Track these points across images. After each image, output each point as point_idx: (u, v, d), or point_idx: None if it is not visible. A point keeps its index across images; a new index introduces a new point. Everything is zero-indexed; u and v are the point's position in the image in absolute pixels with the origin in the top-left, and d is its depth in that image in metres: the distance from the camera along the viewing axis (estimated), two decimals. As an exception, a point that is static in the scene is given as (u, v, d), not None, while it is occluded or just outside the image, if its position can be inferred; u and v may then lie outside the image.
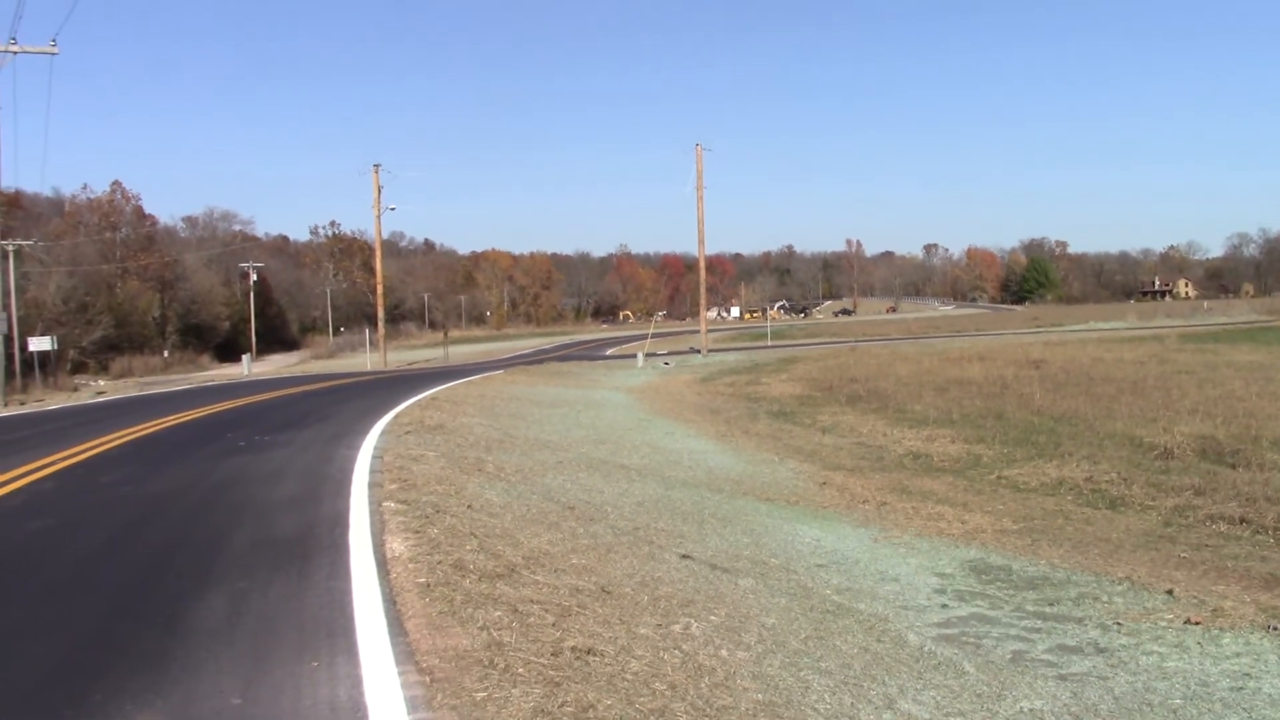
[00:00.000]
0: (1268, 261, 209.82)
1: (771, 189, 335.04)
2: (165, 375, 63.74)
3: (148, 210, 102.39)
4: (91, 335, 72.57)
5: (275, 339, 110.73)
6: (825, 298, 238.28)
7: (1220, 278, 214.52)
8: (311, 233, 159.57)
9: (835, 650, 6.65)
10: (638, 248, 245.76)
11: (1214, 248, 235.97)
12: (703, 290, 65.87)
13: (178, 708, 4.97)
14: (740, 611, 7.32)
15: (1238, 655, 6.77)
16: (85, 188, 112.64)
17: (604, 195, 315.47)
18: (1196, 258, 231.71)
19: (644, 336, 73.93)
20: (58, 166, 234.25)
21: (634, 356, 50.75)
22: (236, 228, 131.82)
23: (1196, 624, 7.42)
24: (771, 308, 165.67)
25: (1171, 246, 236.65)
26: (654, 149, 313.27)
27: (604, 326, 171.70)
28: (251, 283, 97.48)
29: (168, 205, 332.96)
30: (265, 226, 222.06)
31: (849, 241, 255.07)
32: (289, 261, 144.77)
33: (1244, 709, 5.84)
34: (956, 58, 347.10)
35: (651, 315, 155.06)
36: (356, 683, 5.23)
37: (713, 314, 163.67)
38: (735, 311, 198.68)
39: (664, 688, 5.43)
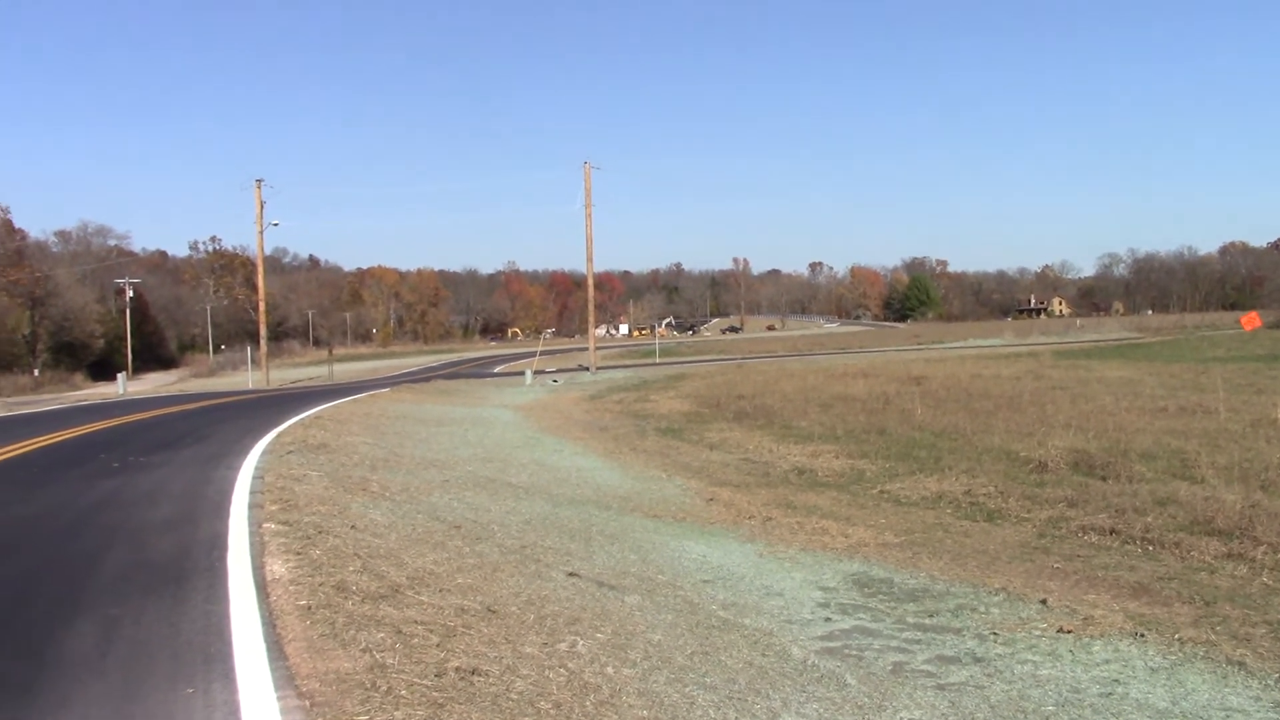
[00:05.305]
0: (1136, 281, 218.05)
1: (660, 208, 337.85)
2: (36, 395, 61.29)
3: (17, 224, 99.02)
4: (-44, 354, 69.73)
5: (153, 357, 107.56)
6: (713, 315, 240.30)
7: (1093, 296, 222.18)
8: (191, 248, 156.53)
9: (720, 665, 6.69)
10: (526, 265, 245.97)
11: (1086, 267, 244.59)
12: (591, 308, 65.96)
13: (44, 740, 4.80)
14: (626, 628, 7.32)
15: (1107, 662, 6.99)
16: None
17: (492, 212, 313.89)
18: (1070, 277, 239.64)
19: (533, 354, 73.74)
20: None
21: (522, 374, 50.56)
22: (112, 243, 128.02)
23: (1069, 632, 7.64)
24: (660, 325, 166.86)
25: (1046, 266, 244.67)
26: (543, 166, 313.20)
27: (492, 344, 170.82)
28: (127, 299, 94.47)
29: (39, 219, 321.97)
30: (142, 242, 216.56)
31: (736, 260, 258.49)
32: (167, 278, 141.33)
33: (1113, 714, 6.03)
34: (839, 84, 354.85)
35: (540, 333, 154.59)
36: (234, 709, 5.11)
37: (601, 331, 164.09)
38: (624, 329, 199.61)
39: (549, 706, 5.41)
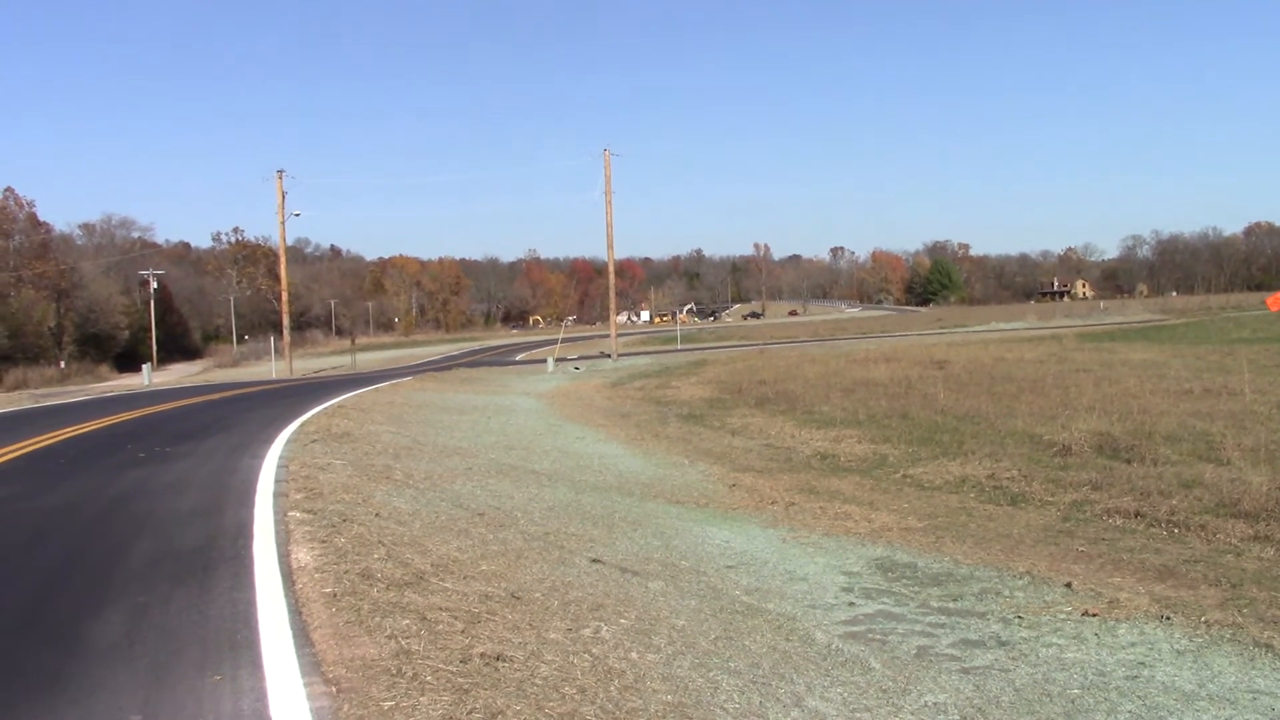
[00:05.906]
0: (1160, 262, 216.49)
1: (680, 194, 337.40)
2: (62, 386, 61.77)
3: (42, 217, 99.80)
4: (-17, 346, 70.32)
5: (177, 348, 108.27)
6: (734, 301, 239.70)
7: (1116, 278, 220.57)
8: (214, 239, 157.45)
9: (744, 650, 6.70)
10: (547, 252, 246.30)
11: (1110, 249, 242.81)
12: (612, 295, 65.93)
13: (74, 727, 4.85)
14: (650, 614, 7.34)
15: (1133, 645, 6.96)
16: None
17: (513, 200, 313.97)
18: (1093, 259, 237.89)
19: (554, 341, 73.85)
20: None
21: (544, 361, 50.66)
22: (135, 235, 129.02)
23: (1094, 615, 7.61)
24: (681, 311, 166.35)
25: (1069, 248, 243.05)
26: (562, 154, 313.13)
27: (514, 332, 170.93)
28: (152, 291, 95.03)
29: (63, 212, 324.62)
30: (166, 233, 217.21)
31: (757, 245, 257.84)
32: (191, 269, 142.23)
33: (1139, 696, 6.01)
34: (857, 66, 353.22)
35: (561, 320, 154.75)
36: (261, 696, 5.15)
37: (622, 318, 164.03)
38: (645, 315, 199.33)
39: (574, 692, 5.43)
